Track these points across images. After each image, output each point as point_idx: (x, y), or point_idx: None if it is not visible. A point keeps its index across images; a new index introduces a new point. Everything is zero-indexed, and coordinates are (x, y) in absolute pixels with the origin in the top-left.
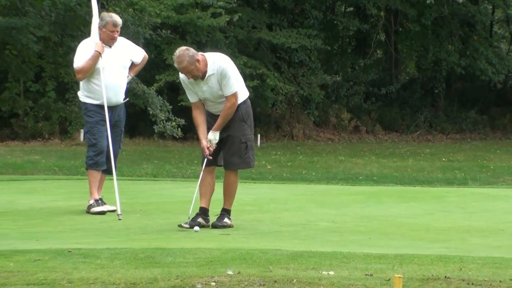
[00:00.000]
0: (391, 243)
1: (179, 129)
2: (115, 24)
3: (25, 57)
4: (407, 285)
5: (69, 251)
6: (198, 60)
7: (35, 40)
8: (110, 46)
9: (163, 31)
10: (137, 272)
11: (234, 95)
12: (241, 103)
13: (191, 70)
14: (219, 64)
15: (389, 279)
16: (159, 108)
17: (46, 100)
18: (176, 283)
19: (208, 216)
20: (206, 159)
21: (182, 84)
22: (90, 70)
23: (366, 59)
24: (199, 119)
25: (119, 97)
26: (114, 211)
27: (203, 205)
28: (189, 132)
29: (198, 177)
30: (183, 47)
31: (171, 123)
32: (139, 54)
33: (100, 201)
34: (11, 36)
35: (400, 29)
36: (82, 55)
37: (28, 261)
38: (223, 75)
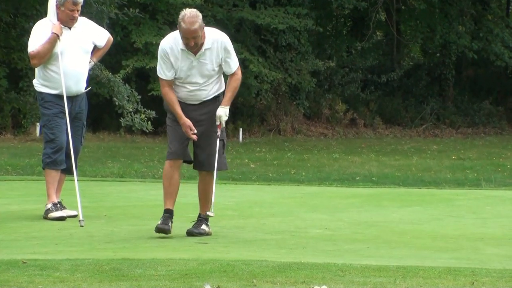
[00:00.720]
0: (393, 253)
1: (149, 122)
2: (75, 2)
3: None
4: None
5: (24, 262)
6: (203, 29)
7: None
8: (70, 28)
9: (131, 10)
10: (102, 286)
11: (239, 69)
12: (221, 93)
13: (197, 36)
14: (221, 38)
15: None
16: (126, 98)
17: None
18: None
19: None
20: (173, 150)
21: (162, 55)
22: (47, 55)
23: (364, 42)
24: (173, 96)
25: (80, 86)
26: (75, 216)
27: (170, 207)
28: (161, 126)
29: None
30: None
31: (140, 115)
32: (102, 37)
33: (59, 205)
34: None
35: (403, 7)
36: (37, 37)
37: None
38: (226, 50)
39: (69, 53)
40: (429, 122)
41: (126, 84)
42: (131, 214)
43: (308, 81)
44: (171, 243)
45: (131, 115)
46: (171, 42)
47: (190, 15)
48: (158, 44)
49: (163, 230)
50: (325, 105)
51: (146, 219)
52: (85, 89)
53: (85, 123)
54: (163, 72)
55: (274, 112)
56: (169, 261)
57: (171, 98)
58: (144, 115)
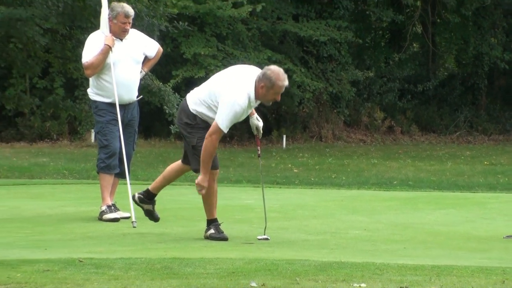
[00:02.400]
0: (428, 253)
1: None
2: (126, 15)
3: (31, 51)
4: None
5: (80, 261)
6: None
7: (42, 32)
8: (122, 39)
9: (180, 22)
10: (154, 284)
11: None
12: None
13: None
14: None
15: None
16: (176, 106)
17: (54, 97)
18: None
19: None
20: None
21: (237, 112)
22: (100, 66)
23: (401, 53)
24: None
25: (132, 95)
26: (128, 218)
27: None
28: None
29: (221, 182)
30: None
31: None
32: (153, 48)
33: (113, 207)
34: (15, 28)
35: (438, 20)
36: (91, 49)
37: (37, 272)
38: None
39: (121, 63)
40: (463, 129)
41: (176, 93)
42: (181, 216)
43: (348, 90)
44: (219, 244)
45: None
46: (246, 100)
47: (283, 72)
48: (206, 55)
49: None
50: (364, 113)
51: (195, 220)
52: (137, 97)
53: (137, 129)
54: (228, 126)
55: (316, 119)
56: (217, 260)
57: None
58: None
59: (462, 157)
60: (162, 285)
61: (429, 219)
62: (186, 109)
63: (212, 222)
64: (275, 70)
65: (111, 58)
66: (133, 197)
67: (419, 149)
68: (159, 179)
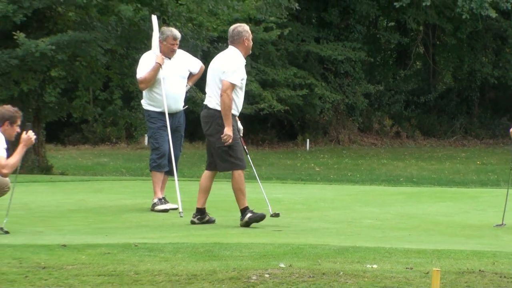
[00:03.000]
0: (430, 239)
1: None
2: (174, 38)
3: (94, 68)
4: (444, 277)
5: (136, 245)
6: None
7: (103, 52)
8: (170, 58)
9: (220, 44)
10: (198, 265)
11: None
12: None
13: None
14: None
15: (427, 272)
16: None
17: (113, 107)
18: (233, 275)
19: None
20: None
21: (241, 63)
22: (152, 80)
23: (406, 70)
24: None
25: (179, 105)
26: (176, 209)
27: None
28: (244, 137)
29: (255, 178)
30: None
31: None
32: (196, 65)
33: (163, 200)
34: (81, 49)
35: (438, 42)
36: (144, 66)
37: (99, 254)
38: None
39: (169, 78)
40: (459, 134)
41: None
42: (220, 207)
43: (361, 101)
44: (253, 231)
45: None
46: (241, 56)
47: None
48: None
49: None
50: (375, 120)
51: (232, 211)
52: (183, 107)
53: (183, 134)
54: (237, 78)
55: (334, 126)
56: (251, 244)
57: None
58: None
59: (458, 158)
60: (205, 266)
61: (431, 211)
62: (215, 116)
63: (245, 210)
64: (242, 25)
65: (161, 74)
66: (192, 222)
67: (422, 151)
68: (200, 194)
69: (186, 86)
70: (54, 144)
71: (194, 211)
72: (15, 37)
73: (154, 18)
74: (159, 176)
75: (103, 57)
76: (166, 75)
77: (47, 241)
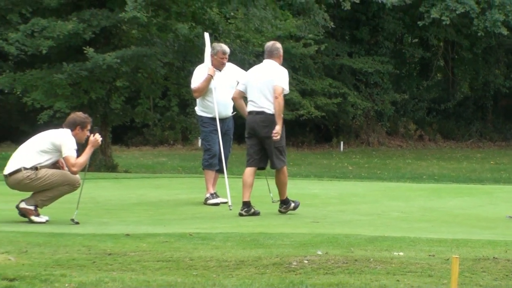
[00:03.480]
0: (450, 229)
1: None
2: (224, 52)
3: (154, 79)
4: (462, 264)
5: (190, 235)
6: None
7: (162, 65)
8: (220, 70)
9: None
10: (245, 252)
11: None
12: None
13: None
14: None
15: (448, 259)
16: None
17: (171, 113)
18: (276, 261)
19: None
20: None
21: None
22: (204, 90)
23: (428, 81)
24: None
25: (228, 111)
26: (225, 203)
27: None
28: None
29: (294, 176)
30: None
31: None
32: (244, 76)
33: (214, 195)
34: (142, 62)
35: (456, 56)
36: (198, 77)
37: (158, 243)
38: None
39: (220, 88)
40: (475, 137)
41: None
42: (265, 201)
43: (389, 108)
44: (293, 222)
45: None
46: None
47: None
48: None
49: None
50: (401, 125)
51: (275, 204)
52: (232, 113)
53: (232, 137)
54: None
55: (365, 130)
56: (292, 234)
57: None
58: None
59: (474, 158)
60: (251, 253)
61: (450, 205)
62: (272, 120)
63: (287, 200)
64: (277, 43)
65: (213, 84)
66: (240, 214)
67: (442, 152)
68: (245, 189)
69: None
70: (119, 145)
71: (241, 205)
72: (85, 51)
73: (206, 35)
74: (210, 173)
75: (162, 69)
76: (217, 85)
77: (112, 230)
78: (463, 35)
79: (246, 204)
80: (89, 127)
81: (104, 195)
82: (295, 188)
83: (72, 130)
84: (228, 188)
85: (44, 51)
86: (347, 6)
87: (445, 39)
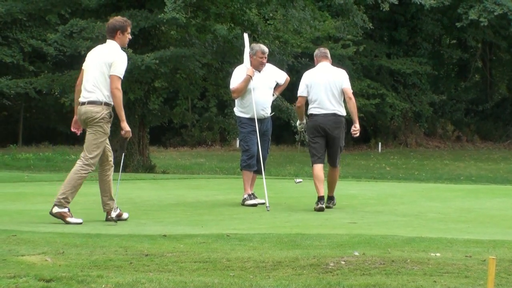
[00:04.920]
0: (486, 230)
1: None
2: (263, 52)
3: (192, 80)
4: (499, 265)
5: (228, 236)
6: None
7: (200, 66)
8: (259, 71)
9: (303, 59)
10: (282, 253)
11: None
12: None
13: None
14: None
15: (484, 260)
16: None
17: (209, 114)
18: (313, 262)
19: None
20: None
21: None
22: (243, 90)
23: (466, 82)
24: None
25: (267, 112)
26: (263, 203)
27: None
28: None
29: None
30: None
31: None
32: (282, 77)
33: (252, 196)
34: (181, 63)
35: (494, 57)
36: (237, 78)
37: (195, 243)
38: None
39: (258, 88)
40: None
41: None
42: (302, 202)
43: (427, 109)
44: (331, 223)
45: (303, 133)
46: None
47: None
48: None
49: (319, 209)
50: (439, 126)
51: (313, 205)
52: (270, 114)
53: (270, 138)
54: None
55: (403, 131)
56: (329, 235)
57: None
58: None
59: None
60: (288, 254)
61: (487, 205)
62: (343, 122)
63: (333, 196)
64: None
65: (251, 84)
66: (328, 207)
67: (480, 153)
68: (320, 184)
69: (273, 95)
70: (157, 146)
71: (321, 200)
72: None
73: (245, 36)
74: (248, 174)
75: (200, 70)
76: (256, 86)
77: (149, 231)
78: (501, 37)
79: (325, 198)
80: (129, 30)
81: (142, 195)
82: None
83: (113, 37)
84: (266, 189)
85: (82, 52)
86: (385, 7)
87: (483, 40)
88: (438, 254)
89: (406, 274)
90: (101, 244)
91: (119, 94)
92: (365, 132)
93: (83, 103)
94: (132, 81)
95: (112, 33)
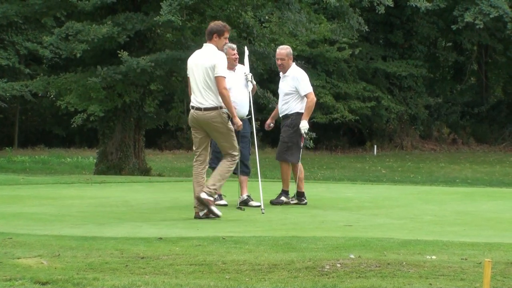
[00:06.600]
0: (482, 233)
1: (311, 141)
2: (232, 48)
3: (188, 83)
4: (495, 267)
5: (223, 238)
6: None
7: None
8: (234, 71)
9: (298, 61)
10: (277, 255)
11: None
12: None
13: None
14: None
15: (480, 263)
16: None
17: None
18: (309, 265)
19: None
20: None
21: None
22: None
23: (462, 84)
24: None
25: (244, 111)
26: (258, 206)
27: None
28: (319, 143)
29: (327, 180)
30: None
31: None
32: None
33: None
34: (176, 65)
35: (490, 60)
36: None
37: (191, 246)
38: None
39: (235, 88)
40: (508, 141)
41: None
42: (298, 205)
43: (422, 112)
44: (326, 225)
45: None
46: None
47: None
48: (317, 86)
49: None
50: (435, 129)
51: (309, 208)
52: (247, 116)
53: (250, 139)
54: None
55: (399, 133)
56: (325, 238)
57: None
58: (308, 136)
59: (508, 162)
60: (284, 256)
61: (483, 208)
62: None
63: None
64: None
65: (228, 84)
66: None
67: (475, 156)
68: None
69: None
70: (153, 149)
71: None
72: (119, 55)
73: (246, 50)
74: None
75: None
76: (231, 85)
77: (145, 234)
78: (497, 39)
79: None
80: (226, 35)
81: (138, 198)
82: (328, 192)
83: (210, 40)
84: (262, 192)
85: (78, 55)
86: (381, 10)
87: (479, 43)
88: (433, 257)
89: (401, 277)
90: (97, 246)
91: (227, 93)
92: (361, 134)
93: (199, 109)
94: (127, 84)
95: (210, 36)
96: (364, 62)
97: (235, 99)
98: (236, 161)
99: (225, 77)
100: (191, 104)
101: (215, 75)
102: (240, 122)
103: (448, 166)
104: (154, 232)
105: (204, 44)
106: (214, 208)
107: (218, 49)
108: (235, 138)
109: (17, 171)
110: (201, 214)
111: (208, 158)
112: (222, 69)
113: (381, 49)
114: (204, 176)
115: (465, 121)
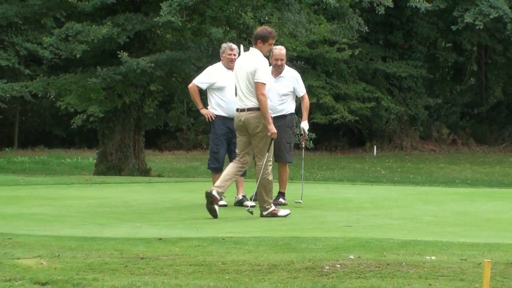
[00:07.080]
0: (482, 233)
1: (311, 141)
2: (231, 49)
3: (188, 83)
4: (494, 268)
5: (223, 239)
6: None
7: (196, 69)
8: (231, 69)
9: (298, 62)
10: (277, 256)
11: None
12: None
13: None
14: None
15: (480, 263)
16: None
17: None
18: (308, 265)
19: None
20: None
21: None
22: (193, 99)
23: (462, 85)
24: None
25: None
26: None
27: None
28: (319, 144)
29: (327, 180)
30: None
31: (306, 137)
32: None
33: (244, 198)
34: (176, 66)
35: (489, 61)
36: (204, 76)
37: (190, 247)
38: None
39: (230, 87)
40: (507, 141)
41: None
42: (297, 206)
43: (422, 112)
44: (326, 226)
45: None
46: None
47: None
48: (317, 86)
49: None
50: (434, 129)
51: (308, 208)
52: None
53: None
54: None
55: (398, 134)
56: (324, 238)
57: None
58: (308, 137)
59: (507, 162)
60: (284, 257)
61: (483, 209)
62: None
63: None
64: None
65: (223, 83)
66: None
67: (475, 157)
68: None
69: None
70: (152, 150)
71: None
72: (119, 56)
73: (241, 47)
74: (215, 175)
75: (196, 74)
76: (228, 84)
77: (145, 235)
78: (497, 40)
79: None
80: (271, 41)
81: (137, 199)
82: (328, 192)
83: (255, 44)
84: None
85: (78, 55)
86: (381, 10)
87: (479, 43)
88: (433, 257)
89: (401, 277)
90: (96, 247)
91: (264, 99)
92: (361, 135)
93: (243, 110)
94: (127, 84)
95: (255, 41)
96: (364, 62)
97: (231, 98)
98: (270, 168)
99: (264, 84)
100: (236, 107)
101: (255, 80)
102: (274, 130)
103: (447, 167)
104: (154, 232)
105: (250, 48)
106: (281, 213)
107: (263, 55)
108: (268, 146)
109: (17, 171)
110: (264, 213)
111: (248, 164)
112: (262, 74)
113: (381, 50)
114: (237, 177)
115: (464, 121)
